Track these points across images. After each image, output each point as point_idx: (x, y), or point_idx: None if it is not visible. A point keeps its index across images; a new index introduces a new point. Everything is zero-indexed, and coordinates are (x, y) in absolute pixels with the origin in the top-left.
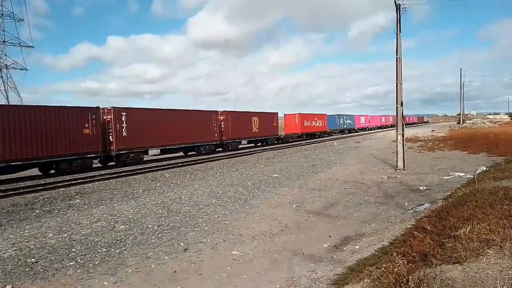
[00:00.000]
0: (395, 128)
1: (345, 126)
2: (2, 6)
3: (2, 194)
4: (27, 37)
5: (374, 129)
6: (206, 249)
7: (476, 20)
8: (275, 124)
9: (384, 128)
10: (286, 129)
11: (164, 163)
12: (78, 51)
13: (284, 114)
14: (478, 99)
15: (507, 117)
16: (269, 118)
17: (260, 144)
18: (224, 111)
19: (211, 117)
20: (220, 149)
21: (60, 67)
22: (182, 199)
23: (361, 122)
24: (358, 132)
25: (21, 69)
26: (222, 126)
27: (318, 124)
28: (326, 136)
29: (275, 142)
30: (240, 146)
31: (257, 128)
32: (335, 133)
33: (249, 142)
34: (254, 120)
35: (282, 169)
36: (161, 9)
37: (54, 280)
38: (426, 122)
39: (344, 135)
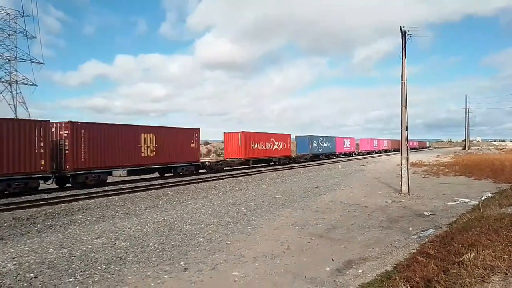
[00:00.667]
0: (399, 152)
1: (320, 150)
2: (16, 23)
3: (5, 208)
4: (37, 54)
5: (364, 154)
6: (207, 269)
7: (480, 48)
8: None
9: (377, 153)
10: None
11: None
12: (86, 68)
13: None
14: (483, 126)
15: None
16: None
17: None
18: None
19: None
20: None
21: (68, 83)
22: (184, 218)
23: (345, 146)
24: (339, 157)
25: (30, 84)
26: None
27: (276, 147)
28: (290, 163)
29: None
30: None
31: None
32: (305, 158)
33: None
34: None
35: (285, 190)
36: (170, 30)
37: None
38: (428, 147)
39: (315, 162)
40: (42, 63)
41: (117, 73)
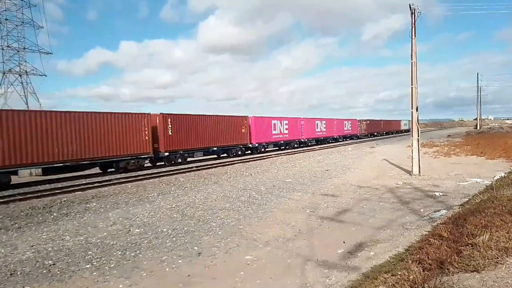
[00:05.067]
0: (377, 138)
1: None
2: (23, 14)
3: (21, 197)
4: (44, 44)
5: (294, 147)
6: (220, 254)
7: (493, 23)
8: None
9: (331, 141)
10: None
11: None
12: (91, 56)
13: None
14: (496, 104)
15: None
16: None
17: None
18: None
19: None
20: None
21: (74, 72)
22: (196, 203)
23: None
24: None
25: (40, 75)
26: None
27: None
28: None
29: None
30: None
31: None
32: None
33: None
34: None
35: (295, 174)
36: (171, 13)
37: (71, 282)
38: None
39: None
40: (50, 53)
41: (122, 60)
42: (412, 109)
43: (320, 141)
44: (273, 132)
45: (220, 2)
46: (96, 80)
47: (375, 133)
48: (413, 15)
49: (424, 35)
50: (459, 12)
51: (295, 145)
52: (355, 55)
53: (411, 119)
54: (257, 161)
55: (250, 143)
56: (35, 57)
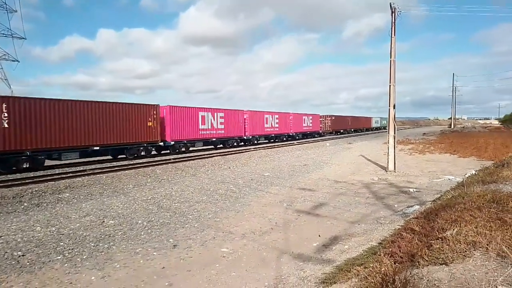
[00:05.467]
0: (339, 137)
1: None
2: None
3: None
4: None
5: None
6: (196, 246)
7: (471, 25)
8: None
9: (310, 136)
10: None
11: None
12: (67, 43)
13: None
14: (470, 104)
15: (497, 122)
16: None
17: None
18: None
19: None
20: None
21: (49, 59)
22: (172, 196)
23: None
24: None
25: (12, 60)
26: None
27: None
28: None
29: None
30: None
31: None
32: None
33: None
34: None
35: (274, 168)
36: (151, 2)
37: (41, 273)
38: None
39: None
40: (23, 38)
41: (100, 48)
42: (389, 106)
43: (271, 139)
44: (201, 127)
45: None
46: (72, 68)
47: (341, 131)
48: (393, 14)
49: (405, 34)
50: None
51: (234, 143)
52: (337, 52)
53: (388, 117)
54: (235, 154)
55: (245, 136)
56: (7, 42)
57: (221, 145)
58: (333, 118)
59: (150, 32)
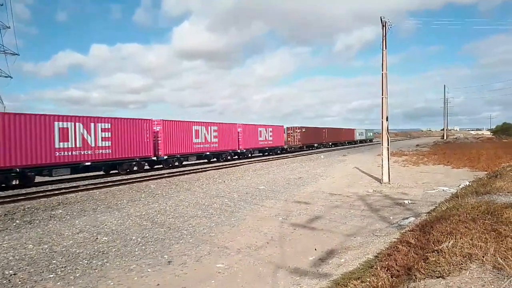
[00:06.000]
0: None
1: None
2: None
3: None
4: (9, 44)
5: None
6: (191, 262)
7: (461, 37)
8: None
9: (271, 153)
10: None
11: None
12: (60, 58)
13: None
14: (461, 115)
15: (489, 133)
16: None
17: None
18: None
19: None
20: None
21: (42, 74)
22: (167, 211)
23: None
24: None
25: (5, 76)
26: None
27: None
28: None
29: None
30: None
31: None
32: None
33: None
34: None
35: (268, 181)
36: (145, 17)
37: None
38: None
39: None
40: (17, 54)
41: (93, 63)
42: (382, 118)
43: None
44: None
45: (194, 7)
46: (65, 83)
47: (315, 145)
48: (384, 28)
49: (395, 47)
50: (429, 25)
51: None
52: (328, 65)
53: (381, 128)
54: (230, 168)
55: (239, 149)
56: (0, 58)
57: (215, 159)
58: (303, 130)
59: (143, 46)
